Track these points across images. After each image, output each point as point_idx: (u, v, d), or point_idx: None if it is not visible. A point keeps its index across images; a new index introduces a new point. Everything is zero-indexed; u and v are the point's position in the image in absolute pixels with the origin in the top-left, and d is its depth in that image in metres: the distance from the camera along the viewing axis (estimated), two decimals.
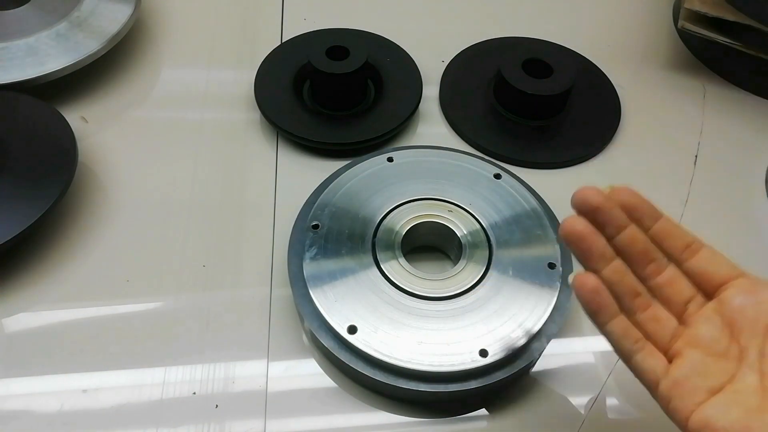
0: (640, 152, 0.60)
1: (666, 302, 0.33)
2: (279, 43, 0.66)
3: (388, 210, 0.49)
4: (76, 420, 0.42)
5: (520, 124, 0.60)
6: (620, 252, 0.32)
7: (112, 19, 0.61)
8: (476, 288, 0.45)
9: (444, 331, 0.42)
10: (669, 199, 0.57)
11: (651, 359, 0.32)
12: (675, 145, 0.61)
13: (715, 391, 0.30)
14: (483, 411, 0.44)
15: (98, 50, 0.59)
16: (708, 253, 0.33)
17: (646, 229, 0.33)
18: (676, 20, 0.70)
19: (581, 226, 0.32)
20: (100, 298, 0.48)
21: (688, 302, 0.33)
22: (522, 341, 0.42)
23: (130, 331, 0.46)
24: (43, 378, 0.44)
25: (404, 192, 0.50)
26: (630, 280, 0.32)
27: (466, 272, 0.46)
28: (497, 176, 0.51)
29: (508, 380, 0.42)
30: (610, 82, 0.65)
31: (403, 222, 0.48)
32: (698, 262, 0.33)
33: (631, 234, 0.32)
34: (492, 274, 0.45)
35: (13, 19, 0.60)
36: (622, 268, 0.32)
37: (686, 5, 0.61)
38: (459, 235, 0.48)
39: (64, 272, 0.49)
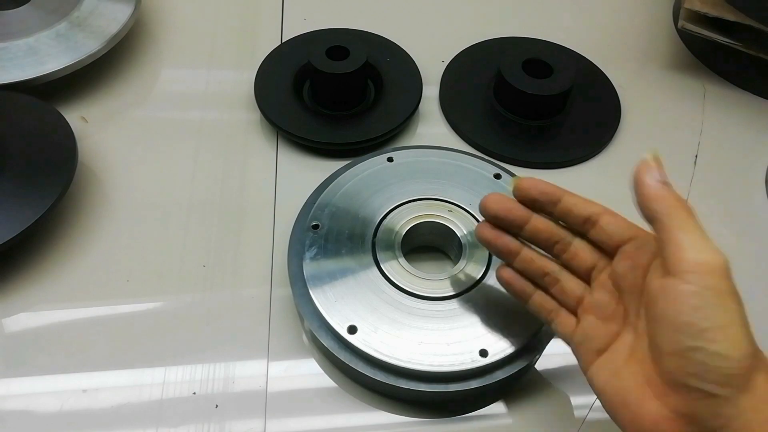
0: (640, 152, 0.60)
1: (576, 273, 0.38)
2: (279, 43, 0.66)
3: (388, 210, 0.49)
4: (76, 420, 0.42)
5: (520, 124, 0.60)
6: (531, 240, 0.38)
7: (112, 19, 0.61)
8: (476, 288, 0.45)
9: (444, 331, 0.42)
10: None
11: (562, 327, 0.37)
12: (675, 145, 0.61)
13: (601, 351, 0.34)
14: (483, 411, 0.44)
15: (98, 50, 0.59)
16: (607, 220, 0.36)
17: (550, 213, 0.38)
18: (676, 20, 0.70)
19: (487, 232, 0.39)
20: (100, 297, 0.48)
21: (591, 270, 0.37)
22: (522, 341, 0.42)
23: (130, 331, 0.46)
24: (44, 378, 0.44)
25: (404, 192, 0.50)
26: (537, 264, 0.38)
27: (466, 272, 0.46)
28: (497, 176, 0.51)
29: (508, 380, 0.42)
30: (610, 82, 0.65)
31: (403, 222, 0.48)
32: (598, 232, 0.36)
33: (533, 226, 0.38)
34: (492, 273, 0.45)
35: (13, 19, 0.60)
36: (529, 256, 0.38)
37: (686, 5, 0.61)
38: (459, 235, 0.48)
39: (64, 272, 0.49)
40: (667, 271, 0.30)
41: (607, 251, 0.36)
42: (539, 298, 0.39)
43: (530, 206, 0.38)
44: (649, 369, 0.31)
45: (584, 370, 0.35)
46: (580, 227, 0.37)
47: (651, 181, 0.32)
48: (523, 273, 0.39)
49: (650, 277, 0.32)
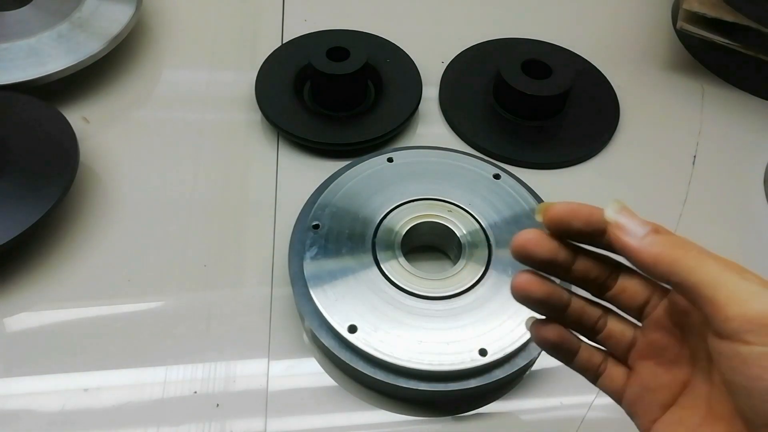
0: (639, 153, 0.61)
1: (624, 311, 0.30)
2: (280, 44, 0.66)
3: (388, 210, 0.49)
4: (77, 419, 0.42)
5: (519, 125, 0.60)
6: (578, 283, 0.30)
7: (114, 20, 0.61)
8: (476, 287, 0.45)
9: (444, 330, 0.42)
10: (668, 199, 0.57)
11: (609, 380, 0.30)
12: (674, 146, 0.61)
13: (668, 406, 0.28)
14: (483, 410, 0.44)
15: (99, 51, 0.59)
16: None
17: (592, 245, 0.29)
18: (674, 21, 0.71)
19: (537, 287, 0.29)
20: (101, 297, 0.48)
21: (643, 306, 0.29)
22: (521, 340, 0.42)
23: (131, 330, 0.47)
24: (45, 377, 0.44)
25: (404, 192, 0.50)
26: (588, 312, 0.30)
27: (466, 272, 0.46)
28: (496, 176, 0.51)
29: (507, 379, 0.42)
30: (608, 82, 0.65)
31: (403, 222, 0.48)
32: None
33: (583, 267, 0.29)
34: (491, 273, 0.46)
35: (14, 20, 0.60)
36: (580, 305, 0.30)
37: (685, 6, 0.61)
38: (458, 234, 0.48)
39: (65, 272, 0.49)
40: (718, 333, 0.24)
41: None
42: (586, 353, 0.31)
43: (568, 239, 0.29)
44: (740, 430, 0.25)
45: (644, 428, 0.28)
46: None
47: (639, 242, 0.26)
48: (568, 326, 0.30)
49: (709, 334, 0.25)
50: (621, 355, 0.30)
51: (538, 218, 0.29)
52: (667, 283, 0.26)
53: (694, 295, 0.24)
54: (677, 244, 0.25)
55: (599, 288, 0.30)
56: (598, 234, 0.28)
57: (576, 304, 0.30)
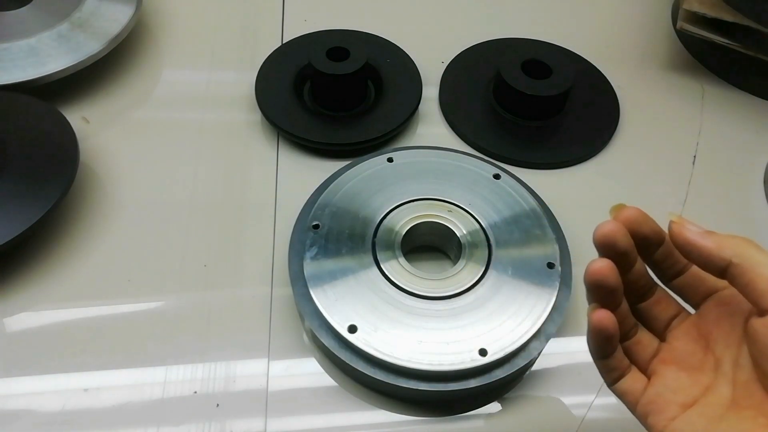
0: (639, 153, 0.60)
1: (652, 320, 0.34)
2: (280, 44, 0.66)
3: (388, 210, 0.49)
4: (77, 419, 0.42)
5: (519, 125, 0.60)
6: (629, 287, 0.33)
7: (114, 20, 0.61)
8: (476, 287, 0.45)
9: (444, 330, 0.42)
10: (668, 199, 0.57)
11: (631, 381, 0.33)
12: (674, 146, 0.61)
13: (688, 405, 0.31)
14: (482, 410, 0.44)
15: (99, 51, 0.59)
16: None
17: (651, 253, 0.32)
18: (674, 21, 0.71)
19: (613, 279, 0.31)
20: (101, 297, 0.48)
21: (672, 319, 0.34)
22: (521, 340, 0.42)
23: (131, 330, 0.47)
24: (45, 377, 0.44)
25: (404, 192, 0.50)
26: (629, 317, 0.33)
27: (466, 272, 0.46)
28: (496, 176, 0.51)
29: (507, 379, 0.42)
30: (608, 82, 0.65)
31: (403, 222, 0.48)
32: (692, 275, 0.33)
33: (639, 270, 0.33)
34: (491, 273, 0.46)
35: (14, 20, 0.61)
36: (626, 308, 0.33)
37: (685, 6, 0.61)
38: (458, 235, 0.48)
39: (65, 272, 0.49)
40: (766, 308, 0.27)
41: (693, 297, 0.33)
42: (620, 353, 0.33)
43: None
44: None
45: (659, 427, 0.31)
46: (674, 271, 0.33)
47: (698, 236, 0.29)
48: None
49: (753, 320, 0.29)
50: (643, 363, 0.33)
51: (612, 216, 0.31)
52: (723, 269, 0.29)
53: (752, 275, 0.28)
54: (732, 238, 0.29)
55: (641, 296, 0.34)
56: (657, 244, 0.32)
57: (624, 306, 0.33)
